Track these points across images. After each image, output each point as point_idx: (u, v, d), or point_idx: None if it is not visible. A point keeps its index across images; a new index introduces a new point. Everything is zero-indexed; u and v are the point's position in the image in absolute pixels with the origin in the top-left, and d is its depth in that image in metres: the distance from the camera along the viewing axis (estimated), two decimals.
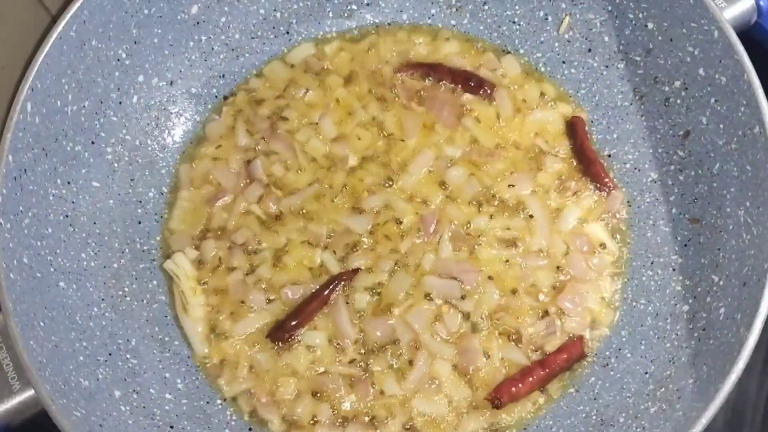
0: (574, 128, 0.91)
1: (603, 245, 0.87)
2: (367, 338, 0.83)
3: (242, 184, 0.90)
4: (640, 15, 0.86)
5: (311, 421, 0.81)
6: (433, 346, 0.82)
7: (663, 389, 0.76)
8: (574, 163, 0.90)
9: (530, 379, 0.81)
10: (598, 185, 0.89)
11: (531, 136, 0.91)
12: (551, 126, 0.92)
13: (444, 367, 0.82)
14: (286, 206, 0.88)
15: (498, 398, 0.80)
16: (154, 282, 0.87)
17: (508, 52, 0.95)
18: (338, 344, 0.83)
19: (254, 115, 0.94)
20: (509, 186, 0.89)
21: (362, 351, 0.83)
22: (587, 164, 0.89)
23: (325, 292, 0.84)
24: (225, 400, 0.83)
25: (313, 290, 0.84)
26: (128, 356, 0.81)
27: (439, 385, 0.81)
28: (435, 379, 0.82)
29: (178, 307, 0.86)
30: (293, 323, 0.82)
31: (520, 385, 0.80)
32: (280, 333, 0.83)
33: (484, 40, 0.96)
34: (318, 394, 0.82)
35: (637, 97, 0.89)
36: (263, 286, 0.85)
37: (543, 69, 0.94)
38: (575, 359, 0.82)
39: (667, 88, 0.85)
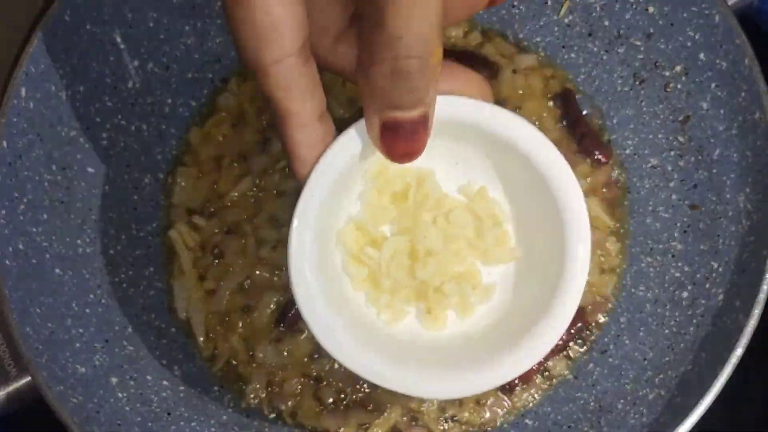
0: (566, 99, 0.91)
1: (597, 217, 0.87)
2: None
3: (253, 153, 0.90)
4: None
5: (314, 409, 0.81)
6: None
7: (661, 375, 0.76)
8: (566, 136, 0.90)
9: None
10: (594, 157, 0.88)
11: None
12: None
13: None
14: (291, 186, 0.88)
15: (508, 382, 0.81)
16: (151, 269, 0.86)
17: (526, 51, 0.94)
18: None
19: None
20: None
21: None
22: (581, 136, 0.89)
23: None
24: (222, 386, 0.83)
25: None
26: (125, 343, 0.81)
27: None
28: None
29: (177, 277, 0.86)
30: (293, 310, 0.82)
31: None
32: (282, 319, 0.83)
33: (482, 25, 0.96)
34: (321, 381, 0.82)
35: (637, 83, 0.88)
36: (265, 267, 0.85)
37: (543, 54, 0.94)
38: (579, 329, 0.82)
39: (667, 73, 0.85)
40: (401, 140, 0.50)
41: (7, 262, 0.73)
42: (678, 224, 0.83)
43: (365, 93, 0.50)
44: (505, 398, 0.81)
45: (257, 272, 0.85)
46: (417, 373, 0.57)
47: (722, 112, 0.79)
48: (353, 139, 0.56)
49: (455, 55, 0.92)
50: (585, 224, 0.57)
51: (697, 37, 0.81)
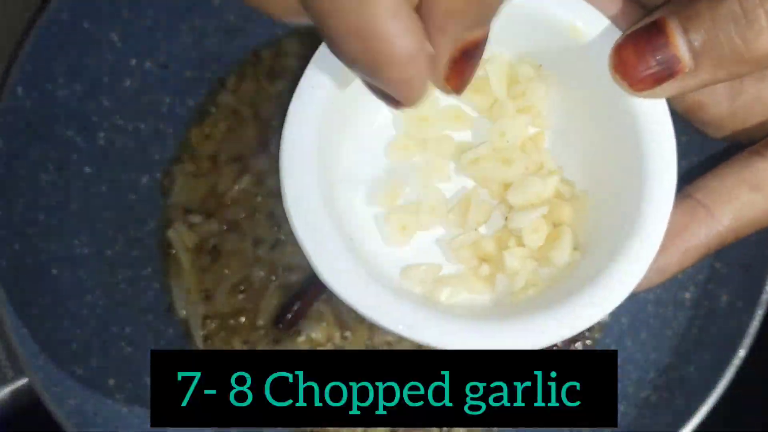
0: None
1: None
2: (370, 325, 0.82)
3: (251, 152, 0.89)
4: None
5: None
6: None
7: (664, 377, 0.76)
8: None
9: None
10: None
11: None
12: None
13: None
14: None
15: None
16: (149, 269, 0.86)
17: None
18: (340, 334, 0.83)
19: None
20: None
21: (367, 342, 0.82)
22: None
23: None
24: None
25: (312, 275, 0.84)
26: (122, 344, 0.80)
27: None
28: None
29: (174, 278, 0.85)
30: (291, 310, 0.82)
31: None
32: (281, 319, 0.82)
33: None
34: None
35: None
36: (264, 267, 0.85)
37: None
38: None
39: None
40: (471, 66, 0.40)
41: (3, 262, 0.72)
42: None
43: (434, 23, 0.38)
44: None
45: (255, 272, 0.84)
46: (441, 324, 0.44)
47: None
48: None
49: None
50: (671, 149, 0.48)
51: None
